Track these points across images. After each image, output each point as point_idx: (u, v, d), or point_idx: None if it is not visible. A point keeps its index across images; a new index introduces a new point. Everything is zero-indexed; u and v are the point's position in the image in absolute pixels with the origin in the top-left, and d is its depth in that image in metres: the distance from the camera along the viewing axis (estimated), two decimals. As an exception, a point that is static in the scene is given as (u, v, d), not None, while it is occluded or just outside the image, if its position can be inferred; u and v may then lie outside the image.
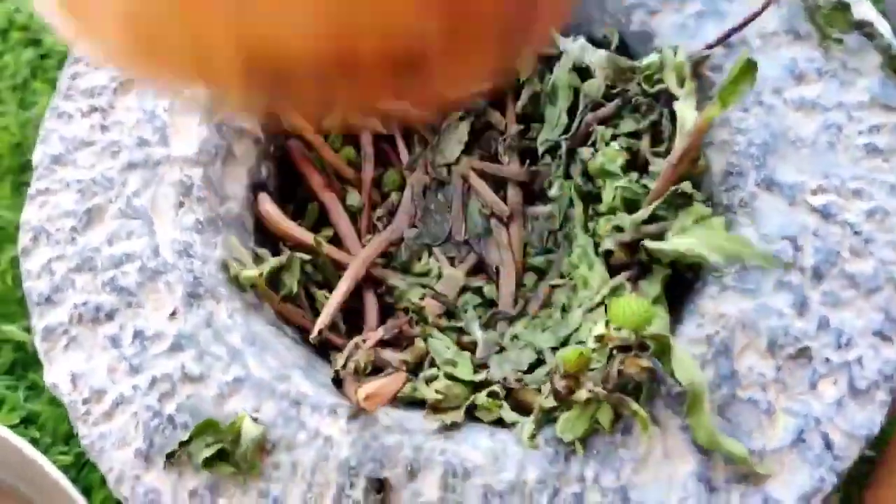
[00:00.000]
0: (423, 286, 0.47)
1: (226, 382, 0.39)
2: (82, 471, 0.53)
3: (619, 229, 0.43)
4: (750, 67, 0.39)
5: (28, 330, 0.57)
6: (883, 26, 0.44)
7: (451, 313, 0.47)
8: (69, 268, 0.42)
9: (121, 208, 0.43)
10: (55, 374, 0.41)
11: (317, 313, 0.44)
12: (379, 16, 0.20)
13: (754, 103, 0.43)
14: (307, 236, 0.46)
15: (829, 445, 0.37)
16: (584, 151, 0.45)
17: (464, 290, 0.48)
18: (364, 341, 0.41)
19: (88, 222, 0.43)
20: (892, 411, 0.38)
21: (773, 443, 0.37)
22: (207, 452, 0.36)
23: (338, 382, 0.40)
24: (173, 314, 0.40)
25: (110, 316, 0.41)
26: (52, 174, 0.44)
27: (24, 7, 0.73)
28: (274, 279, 0.45)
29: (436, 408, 0.39)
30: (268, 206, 0.47)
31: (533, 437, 0.37)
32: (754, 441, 0.37)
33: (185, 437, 0.37)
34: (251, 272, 0.43)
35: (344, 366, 0.39)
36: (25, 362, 0.58)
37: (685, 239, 0.40)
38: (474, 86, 0.25)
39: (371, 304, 0.47)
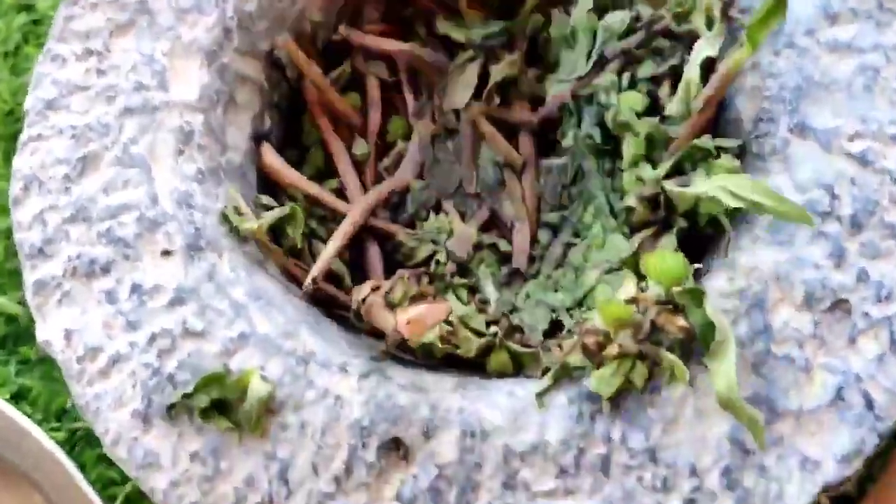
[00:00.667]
0: (434, 242, 0.45)
1: (230, 338, 0.37)
2: (75, 448, 0.51)
3: (641, 181, 0.41)
4: (780, 1, 0.37)
5: (20, 302, 0.55)
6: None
7: (463, 269, 0.45)
8: (63, 218, 0.40)
9: (117, 156, 0.41)
10: (48, 330, 0.39)
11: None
12: None
13: (786, 46, 0.41)
14: (313, 187, 0.44)
15: (870, 404, 0.35)
16: (601, 95, 0.43)
17: (476, 246, 0.46)
18: (378, 287, 0.39)
19: (83, 170, 0.41)
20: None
21: (810, 401, 0.35)
22: (206, 404, 0.34)
23: (357, 318, 0.38)
24: (166, 253, 0.38)
25: (106, 269, 0.39)
26: (45, 120, 0.42)
27: (18, -26, 0.71)
28: (277, 232, 0.43)
29: (449, 342, 0.37)
30: (271, 157, 0.44)
31: (542, 394, 0.34)
32: (791, 400, 0.35)
33: (188, 391, 0.35)
34: (251, 224, 0.41)
35: (367, 296, 0.37)
36: (17, 335, 0.56)
37: (706, 185, 0.37)
38: None
39: (375, 256, 0.45)
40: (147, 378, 0.37)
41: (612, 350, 0.33)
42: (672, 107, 0.41)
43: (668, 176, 0.41)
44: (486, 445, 0.35)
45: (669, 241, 0.40)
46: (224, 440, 0.36)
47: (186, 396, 0.35)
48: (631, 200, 0.41)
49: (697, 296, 0.33)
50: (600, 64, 0.45)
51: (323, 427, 0.35)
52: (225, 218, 0.41)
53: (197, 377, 0.36)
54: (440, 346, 0.38)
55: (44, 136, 0.42)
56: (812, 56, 0.41)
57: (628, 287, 0.33)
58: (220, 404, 0.35)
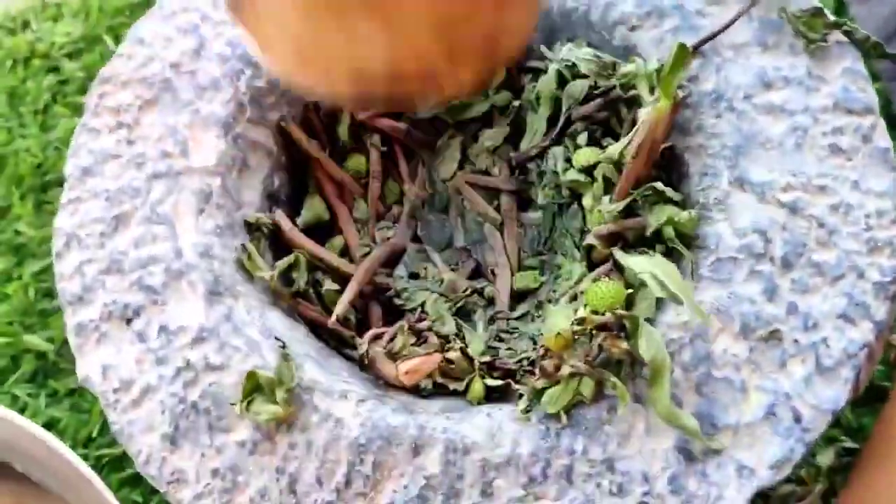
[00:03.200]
0: (428, 290, 0.51)
1: (245, 371, 0.43)
2: (102, 472, 0.56)
3: (602, 217, 0.47)
4: (683, 52, 0.43)
5: (50, 340, 0.61)
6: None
7: (459, 311, 0.50)
8: (99, 269, 0.46)
9: (146, 215, 0.47)
10: (87, 367, 0.44)
11: (325, 307, 0.48)
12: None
13: (727, 109, 0.47)
14: (320, 250, 0.50)
15: (798, 419, 0.40)
16: (558, 156, 0.49)
17: (466, 293, 0.51)
18: (382, 335, 0.45)
19: (116, 228, 0.47)
20: (857, 388, 0.41)
21: (746, 417, 0.40)
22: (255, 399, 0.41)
23: (362, 365, 0.44)
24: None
25: (137, 313, 0.45)
26: (83, 185, 0.48)
27: (45, 36, 0.78)
28: (285, 277, 0.48)
29: (445, 373, 0.42)
30: (283, 222, 0.50)
31: (526, 411, 0.40)
32: (730, 416, 0.40)
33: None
34: (265, 272, 0.47)
35: (369, 349, 0.44)
36: (46, 371, 0.61)
37: (644, 264, 0.42)
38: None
39: (375, 309, 0.51)
40: (174, 406, 0.42)
41: (566, 371, 0.38)
42: (605, 156, 0.47)
43: (626, 213, 0.46)
44: (467, 459, 0.40)
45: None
46: (241, 458, 0.41)
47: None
48: (591, 239, 0.47)
49: (635, 322, 0.38)
50: (566, 126, 0.51)
51: (325, 445, 0.41)
52: (241, 266, 0.47)
53: (216, 405, 0.42)
54: (431, 388, 0.44)
55: (82, 198, 0.48)
56: (749, 118, 0.47)
57: (580, 311, 0.39)
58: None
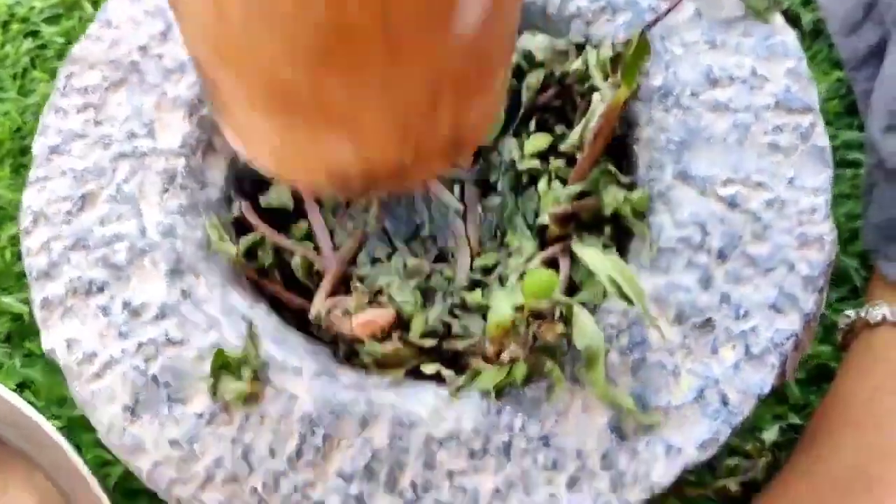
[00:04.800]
0: (390, 274, 0.53)
1: (204, 347, 0.45)
2: (73, 432, 0.58)
3: (558, 200, 0.49)
4: (644, 44, 0.45)
5: (25, 302, 0.62)
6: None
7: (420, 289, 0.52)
8: (65, 246, 0.48)
9: (111, 194, 0.49)
10: (52, 340, 0.46)
11: (288, 284, 0.50)
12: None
13: (674, 105, 0.49)
14: (285, 241, 0.52)
15: (725, 402, 0.42)
16: (513, 146, 0.51)
17: (429, 276, 0.53)
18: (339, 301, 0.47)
19: (82, 206, 0.49)
20: (783, 375, 0.44)
21: (677, 399, 0.43)
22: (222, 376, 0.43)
23: (318, 328, 0.47)
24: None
25: (101, 289, 0.47)
26: (50, 163, 0.50)
27: (24, 0, 0.78)
28: (250, 254, 0.50)
29: (382, 364, 0.44)
30: (248, 216, 0.52)
31: (457, 390, 0.42)
32: (661, 398, 0.43)
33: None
34: (230, 247, 0.49)
35: (325, 310, 0.47)
36: (22, 332, 0.63)
37: (600, 261, 0.43)
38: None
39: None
40: (135, 378, 0.44)
41: (506, 356, 0.40)
42: (565, 146, 0.49)
43: (579, 195, 0.48)
44: (412, 433, 0.42)
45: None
46: (198, 429, 0.43)
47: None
48: (545, 218, 0.49)
49: (570, 310, 0.40)
50: (527, 116, 0.53)
51: (279, 418, 0.43)
52: (204, 244, 0.48)
53: (176, 378, 0.44)
54: (379, 369, 0.46)
55: (49, 176, 0.49)
56: (695, 114, 0.49)
57: (518, 296, 0.41)
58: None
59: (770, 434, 0.57)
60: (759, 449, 0.56)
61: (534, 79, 0.52)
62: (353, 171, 0.33)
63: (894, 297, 0.57)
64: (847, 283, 0.62)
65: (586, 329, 0.39)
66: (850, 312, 0.57)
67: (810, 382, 0.60)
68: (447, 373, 0.44)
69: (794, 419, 0.58)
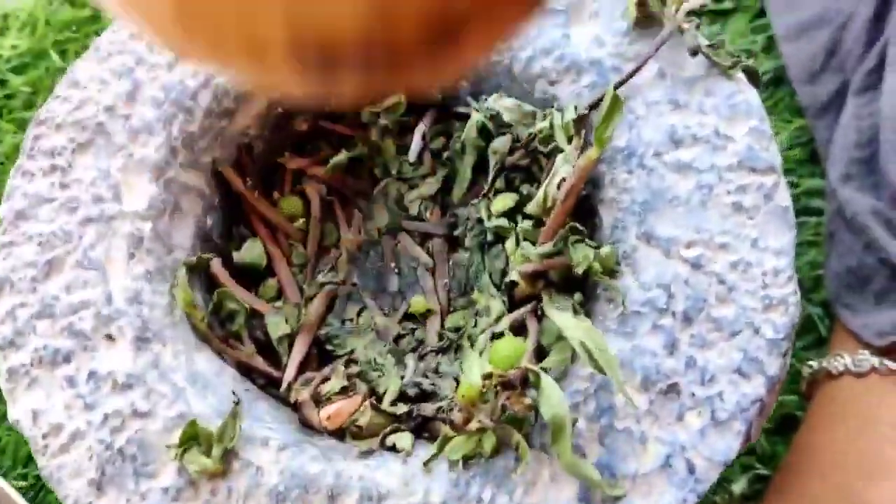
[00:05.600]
0: (360, 335, 0.53)
1: (170, 418, 0.45)
2: (40, 493, 0.58)
3: (527, 258, 0.49)
4: (617, 103, 0.45)
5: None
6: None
7: (391, 354, 0.52)
8: (31, 314, 0.47)
9: (78, 259, 0.49)
10: (18, 411, 0.46)
11: (259, 348, 0.50)
12: None
13: (637, 166, 0.49)
14: (256, 302, 0.52)
15: (691, 470, 0.43)
16: (481, 206, 0.52)
17: (399, 337, 0.53)
18: (313, 379, 0.47)
19: (48, 272, 0.48)
20: (747, 439, 0.44)
21: (644, 467, 0.43)
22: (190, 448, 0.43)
23: (295, 407, 0.47)
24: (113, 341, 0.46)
25: (67, 358, 0.46)
26: (16, 228, 0.50)
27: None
28: (219, 316, 0.50)
29: (356, 435, 0.45)
30: (218, 272, 0.52)
31: (428, 462, 0.42)
32: (629, 465, 0.43)
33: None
34: (196, 313, 0.49)
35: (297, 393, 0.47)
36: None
37: (573, 326, 0.43)
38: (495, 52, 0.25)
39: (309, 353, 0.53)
40: (101, 451, 0.44)
41: (474, 425, 0.41)
42: (531, 206, 0.49)
43: (549, 255, 0.48)
44: (380, 506, 0.42)
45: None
46: (164, 503, 0.43)
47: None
48: (514, 275, 0.49)
49: (537, 378, 0.41)
50: (495, 178, 0.53)
51: (246, 493, 0.43)
52: (171, 310, 0.48)
53: (143, 451, 0.44)
54: (353, 440, 0.46)
55: (15, 242, 0.49)
56: (658, 175, 0.49)
57: (485, 365, 0.41)
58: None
59: (738, 486, 0.57)
60: (728, 500, 0.57)
61: (500, 143, 0.52)
62: (282, 37, 0.21)
63: (856, 347, 0.57)
64: (812, 331, 0.63)
65: (552, 399, 0.39)
66: (814, 363, 0.58)
67: (776, 432, 0.60)
68: (408, 445, 0.44)
69: (762, 470, 0.59)
